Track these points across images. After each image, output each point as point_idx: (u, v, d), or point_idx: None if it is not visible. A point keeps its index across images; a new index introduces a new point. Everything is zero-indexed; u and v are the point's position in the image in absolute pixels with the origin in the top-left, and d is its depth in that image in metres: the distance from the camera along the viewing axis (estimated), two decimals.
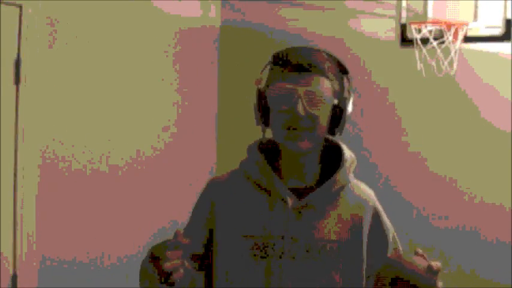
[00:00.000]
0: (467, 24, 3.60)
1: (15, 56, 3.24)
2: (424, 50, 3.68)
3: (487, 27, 3.66)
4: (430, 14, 3.74)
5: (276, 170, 1.57)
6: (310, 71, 1.49)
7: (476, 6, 3.66)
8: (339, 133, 1.55)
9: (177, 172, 4.17)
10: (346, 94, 1.56)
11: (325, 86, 1.50)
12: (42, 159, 3.37)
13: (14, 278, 3.25)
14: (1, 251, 3.19)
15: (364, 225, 1.56)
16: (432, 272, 1.35)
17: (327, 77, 1.51)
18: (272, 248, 1.50)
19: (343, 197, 1.56)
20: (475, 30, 3.66)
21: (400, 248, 1.61)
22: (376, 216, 1.60)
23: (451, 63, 3.68)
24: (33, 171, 3.32)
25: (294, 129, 1.49)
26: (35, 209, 3.33)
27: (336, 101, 1.52)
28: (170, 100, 4.14)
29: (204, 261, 1.60)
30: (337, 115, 1.53)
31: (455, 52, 3.64)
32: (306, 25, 4.20)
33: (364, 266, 1.55)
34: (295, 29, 4.22)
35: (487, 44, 3.69)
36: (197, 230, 1.61)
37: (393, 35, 3.95)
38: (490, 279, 3.67)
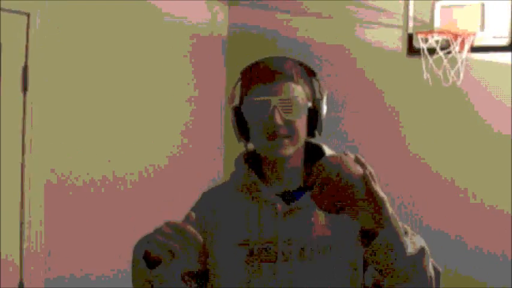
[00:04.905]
0: (474, 34, 3.61)
1: (22, 63, 3.24)
2: (430, 60, 3.68)
3: (494, 37, 3.66)
4: (437, 24, 3.75)
5: (263, 177, 1.62)
6: (280, 79, 1.53)
7: (483, 17, 3.67)
8: (318, 134, 1.61)
9: (185, 181, 4.16)
10: (318, 96, 1.60)
11: (297, 90, 1.54)
12: (49, 165, 3.36)
13: (21, 286, 3.24)
14: (8, 260, 3.17)
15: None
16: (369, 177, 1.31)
17: (297, 82, 1.55)
18: (267, 253, 1.55)
19: None
20: (482, 40, 3.66)
21: None
22: None
23: (457, 73, 3.68)
24: (41, 177, 3.31)
25: (274, 138, 1.53)
26: (43, 216, 3.32)
27: (310, 104, 1.57)
28: (177, 105, 4.13)
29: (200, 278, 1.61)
30: (314, 117, 1.58)
31: (462, 62, 3.65)
32: (312, 34, 4.20)
33: (361, 257, 1.54)
34: (302, 38, 4.23)
35: (493, 54, 3.70)
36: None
37: (400, 44, 3.95)
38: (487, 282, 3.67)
